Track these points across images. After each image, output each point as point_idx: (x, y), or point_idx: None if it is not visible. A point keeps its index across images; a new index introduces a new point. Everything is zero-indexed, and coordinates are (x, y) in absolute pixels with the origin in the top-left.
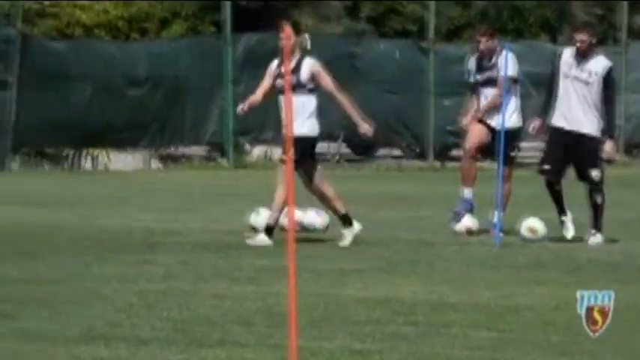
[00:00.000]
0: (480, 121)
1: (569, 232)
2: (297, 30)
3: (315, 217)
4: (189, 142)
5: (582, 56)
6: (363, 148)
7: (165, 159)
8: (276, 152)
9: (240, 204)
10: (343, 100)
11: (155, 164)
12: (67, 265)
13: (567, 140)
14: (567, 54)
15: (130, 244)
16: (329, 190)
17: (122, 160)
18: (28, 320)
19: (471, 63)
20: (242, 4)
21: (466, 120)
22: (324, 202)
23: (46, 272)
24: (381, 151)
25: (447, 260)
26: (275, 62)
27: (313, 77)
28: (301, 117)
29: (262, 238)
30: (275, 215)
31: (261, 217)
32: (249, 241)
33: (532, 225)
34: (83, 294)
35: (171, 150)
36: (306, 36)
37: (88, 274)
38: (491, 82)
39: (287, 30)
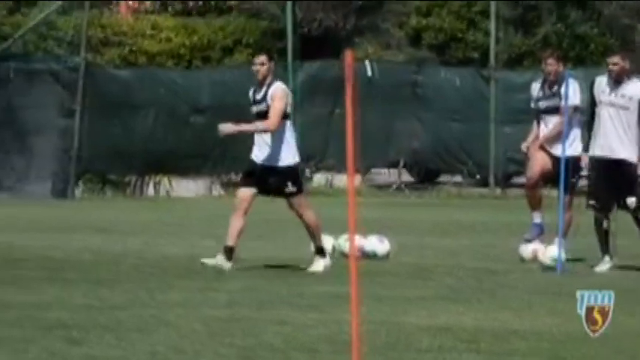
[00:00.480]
0: (542, 148)
1: (601, 267)
2: (271, 57)
3: (377, 244)
4: None
5: (616, 81)
6: (424, 175)
7: (227, 186)
8: (338, 179)
9: (302, 231)
10: (256, 124)
11: (217, 191)
12: (131, 291)
13: (608, 169)
14: (601, 81)
15: (193, 270)
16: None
17: (184, 187)
18: (93, 346)
19: (535, 89)
20: (305, 32)
21: (527, 145)
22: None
23: (110, 298)
24: (443, 178)
25: (510, 288)
26: (251, 90)
27: (271, 98)
28: (285, 146)
29: (321, 263)
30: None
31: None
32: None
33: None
34: (147, 320)
35: (233, 177)
36: (368, 63)
37: (151, 301)
38: (553, 110)
39: (349, 57)
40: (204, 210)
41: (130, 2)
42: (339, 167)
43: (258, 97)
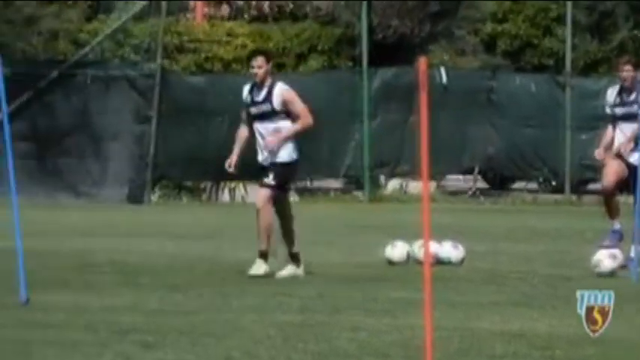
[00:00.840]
0: (619, 156)
1: None
2: (268, 58)
3: (451, 250)
4: (325, 176)
5: (628, 90)
6: (499, 182)
7: (301, 192)
8: (412, 185)
9: (376, 237)
10: (294, 126)
11: (291, 197)
12: (205, 296)
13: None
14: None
15: (267, 276)
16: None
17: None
18: (168, 350)
19: (611, 95)
20: (378, 39)
21: (600, 152)
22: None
23: (184, 303)
24: (517, 185)
25: None
26: (246, 90)
27: (285, 103)
28: (285, 144)
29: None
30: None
31: (396, 249)
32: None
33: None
34: (221, 325)
35: (308, 183)
36: (442, 69)
37: (226, 306)
38: (630, 117)
39: (423, 64)
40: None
41: (206, 9)
42: (413, 173)
43: (259, 98)
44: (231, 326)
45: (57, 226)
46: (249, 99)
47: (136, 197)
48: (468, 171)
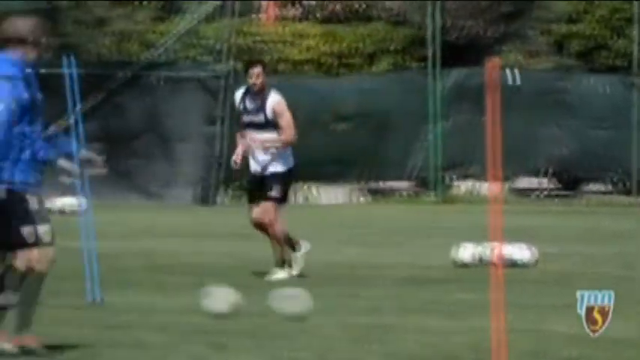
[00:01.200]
0: None
1: None
2: (264, 66)
3: (522, 252)
4: (395, 177)
5: None
6: (570, 183)
7: (371, 193)
8: (482, 187)
9: (446, 238)
10: (282, 136)
11: (361, 198)
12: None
13: None
14: None
15: (336, 277)
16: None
17: (329, 194)
18: (235, 352)
19: None
20: (450, 39)
21: None
22: (275, 240)
23: (252, 304)
24: (589, 186)
25: None
26: (238, 96)
27: (274, 114)
28: (279, 154)
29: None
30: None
31: (466, 251)
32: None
33: None
34: (289, 326)
35: (378, 184)
36: (514, 70)
37: None
38: None
39: (493, 65)
40: (347, 217)
41: (276, 10)
42: (483, 175)
43: (252, 106)
44: (297, 328)
45: (127, 227)
46: (241, 107)
47: (206, 198)
48: (539, 172)
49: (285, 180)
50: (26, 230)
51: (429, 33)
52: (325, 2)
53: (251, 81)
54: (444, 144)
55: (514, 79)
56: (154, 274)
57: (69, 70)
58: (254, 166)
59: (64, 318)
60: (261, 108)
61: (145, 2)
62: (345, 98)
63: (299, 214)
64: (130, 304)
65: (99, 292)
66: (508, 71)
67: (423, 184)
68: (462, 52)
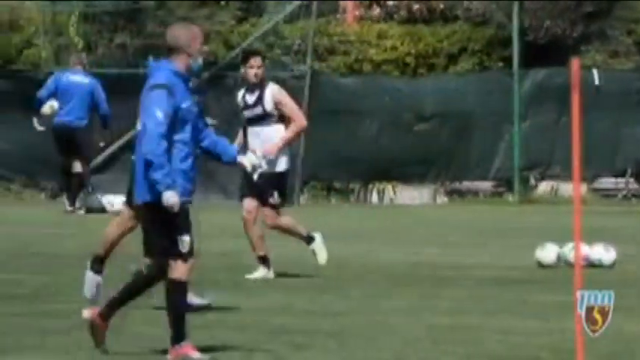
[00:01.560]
0: None
1: None
2: (264, 57)
3: (603, 253)
4: (475, 177)
5: None
6: None
7: (451, 193)
8: (563, 187)
9: (526, 239)
10: (287, 133)
11: (441, 199)
12: (354, 297)
13: None
14: None
15: (416, 277)
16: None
17: (408, 195)
18: (316, 352)
19: None
20: (530, 40)
21: None
22: (288, 233)
23: (334, 304)
24: None
25: None
26: (240, 94)
27: (276, 105)
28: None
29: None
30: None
31: (547, 252)
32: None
33: None
34: (370, 326)
35: (457, 185)
36: (595, 71)
37: (375, 307)
38: None
39: (575, 65)
40: (428, 217)
41: (357, 11)
42: (565, 175)
43: (251, 100)
44: (379, 328)
45: (207, 227)
46: (242, 103)
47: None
48: (621, 173)
49: (284, 181)
50: (185, 240)
51: (509, 33)
52: (406, 2)
53: (252, 71)
54: (525, 144)
55: (597, 79)
56: (234, 274)
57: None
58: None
59: (151, 318)
60: (260, 100)
61: (226, 3)
62: (427, 98)
63: (378, 213)
64: (210, 303)
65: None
66: (593, 71)
67: (502, 184)
68: (543, 52)
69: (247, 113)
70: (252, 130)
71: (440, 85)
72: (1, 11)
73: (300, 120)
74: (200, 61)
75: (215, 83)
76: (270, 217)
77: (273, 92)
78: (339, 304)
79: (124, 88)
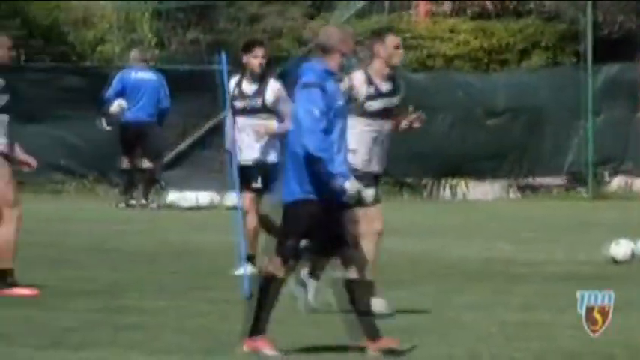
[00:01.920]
0: None
1: None
2: (267, 48)
3: None
4: (547, 173)
5: None
6: None
7: (523, 189)
8: (637, 183)
9: (600, 235)
10: (281, 127)
11: (513, 194)
12: (427, 293)
13: None
14: None
15: (488, 273)
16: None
17: (480, 190)
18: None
19: None
20: (603, 35)
21: None
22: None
23: (407, 300)
24: None
25: None
26: (232, 82)
27: (276, 101)
28: (270, 142)
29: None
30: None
31: (620, 247)
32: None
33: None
34: (443, 322)
35: (530, 180)
36: None
37: (447, 303)
38: None
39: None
40: (500, 213)
41: (428, 6)
42: (637, 171)
43: (250, 91)
44: (452, 324)
45: None
46: (236, 91)
47: None
48: None
49: (273, 171)
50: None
51: (582, 28)
52: (479, 2)
53: (257, 60)
54: (597, 140)
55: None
56: None
57: (220, 66)
58: (247, 155)
59: (222, 312)
60: (261, 92)
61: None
62: (499, 94)
63: (450, 209)
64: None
65: (248, 287)
66: None
67: (575, 180)
68: (615, 48)
69: (240, 103)
70: (242, 122)
71: (512, 80)
72: (76, 8)
73: (289, 123)
74: None
75: (287, 78)
76: (249, 200)
77: (277, 87)
78: (412, 299)
79: (195, 85)
